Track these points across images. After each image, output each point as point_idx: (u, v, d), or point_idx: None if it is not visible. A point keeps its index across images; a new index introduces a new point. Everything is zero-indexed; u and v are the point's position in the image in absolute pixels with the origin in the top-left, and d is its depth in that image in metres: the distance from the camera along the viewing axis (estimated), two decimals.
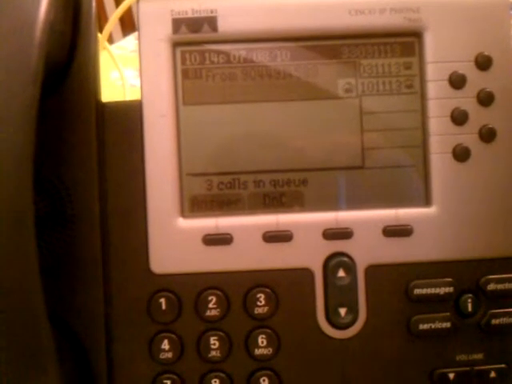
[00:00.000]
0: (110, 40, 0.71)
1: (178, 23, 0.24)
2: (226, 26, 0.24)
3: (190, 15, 0.24)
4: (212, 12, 0.24)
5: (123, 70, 0.53)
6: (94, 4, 0.25)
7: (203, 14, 0.24)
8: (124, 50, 0.61)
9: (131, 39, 0.64)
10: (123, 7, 0.47)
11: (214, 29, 0.24)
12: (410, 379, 0.23)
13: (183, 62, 0.24)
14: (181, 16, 0.24)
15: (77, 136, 0.24)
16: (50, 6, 0.22)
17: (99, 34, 0.45)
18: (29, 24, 0.21)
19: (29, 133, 0.20)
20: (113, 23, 0.46)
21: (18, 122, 0.20)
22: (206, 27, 0.24)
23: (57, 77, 0.24)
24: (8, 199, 0.20)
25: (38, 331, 0.20)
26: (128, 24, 0.95)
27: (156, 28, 0.24)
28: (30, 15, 0.21)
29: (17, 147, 0.20)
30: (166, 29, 0.24)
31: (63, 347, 0.22)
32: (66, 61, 0.24)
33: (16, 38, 0.21)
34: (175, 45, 0.24)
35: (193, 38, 0.24)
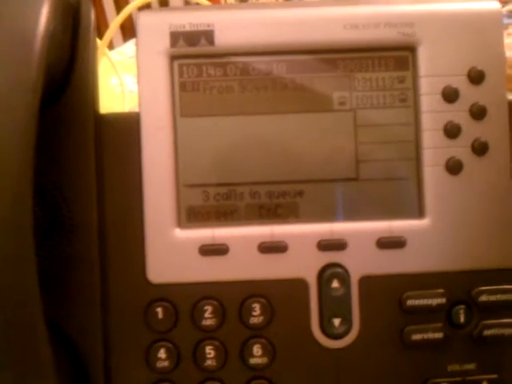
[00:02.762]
0: (110, 45, 0.72)
1: (175, 36, 0.24)
2: (222, 39, 0.24)
3: (187, 29, 0.24)
4: (209, 26, 0.24)
5: (123, 77, 0.54)
6: (93, 15, 0.25)
7: (200, 28, 0.24)
8: (123, 56, 0.62)
9: (131, 45, 0.64)
10: (123, 15, 0.48)
11: (211, 42, 0.24)
12: None
13: (181, 74, 0.24)
14: (179, 29, 0.24)
15: (75, 147, 0.24)
16: (50, 16, 0.23)
17: (99, 41, 0.45)
18: (29, 35, 0.22)
19: (29, 143, 0.21)
20: (113, 31, 0.47)
21: (18, 133, 0.21)
22: (203, 41, 0.24)
23: (56, 88, 0.24)
24: (8, 208, 0.20)
25: (36, 339, 0.21)
26: (128, 29, 0.96)
27: (154, 41, 0.24)
28: (29, 26, 0.22)
29: (17, 157, 0.20)
30: (164, 42, 0.24)
31: (61, 355, 0.22)
32: (65, 72, 0.24)
33: (16, 49, 0.21)
34: (173, 58, 0.24)
35: (190, 51, 0.24)
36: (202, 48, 0.24)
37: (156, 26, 0.24)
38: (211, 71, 0.24)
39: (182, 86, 0.24)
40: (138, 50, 0.24)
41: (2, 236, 0.20)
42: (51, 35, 0.22)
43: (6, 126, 0.20)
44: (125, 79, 0.54)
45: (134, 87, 0.56)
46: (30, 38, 0.21)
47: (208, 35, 0.24)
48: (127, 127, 0.24)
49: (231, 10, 0.25)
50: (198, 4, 0.55)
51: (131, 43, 0.65)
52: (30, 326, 0.20)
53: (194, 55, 0.24)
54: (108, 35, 0.49)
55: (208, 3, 0.50)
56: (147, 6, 0.58)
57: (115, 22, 0.51)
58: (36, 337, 0.21)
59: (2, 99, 0.21)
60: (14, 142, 0.20)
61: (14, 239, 0.20)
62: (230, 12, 0.25)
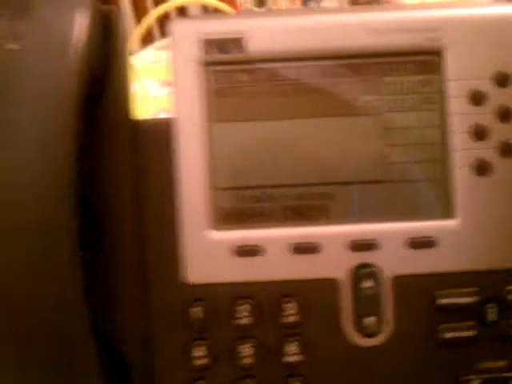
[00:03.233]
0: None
1: (209, 44, 0.25)
2: (253, 46, 0.25)
3: (220, 37, 0.25)
4: (240, 34, 0.25)
5: (145, 82, 0.55)
6: (123, 25, 0.26)
7: (232, 36, 0.25)
8: (144, 62, 0.63)
9: (151, 51, 0.65)
10: (144, 26, 0.49)
11: (243, 49, 0.25)
12: None
13: (214, 81, 0.25)
14: (212, 37, 0.25)
15: (111, 153, 0.25)
16: (86, 26, 0.23)
17: None
18: (68, 45, 0.22)
19: (72, 151, 0.22)
20: (135, 41, 0.48)
21: (62, 141, 0.21)
22: (234, 48, 0.25)
23: (92, 96, 0.25)
24: (55, 215, 0.21)
25: (82, 344, 0.21)
26: (146, 36, 0.97)
27: (189, 49, 0.25)
28: (68, 36, 0.23)
29: (63, 163, 0.21)
30: (198, 49, 0.25)
31: (103, 357, 0.23)
32: (100, 80, 0.25)
33: (57, 59, 0.22)
34: (206, 65, 0.25)
35: (223, 58, 0.25)
36: (234, 55, 0.25)
37: (190, 34, 0.25)
38: (243, 77, 0.25)
39: (215, 92, 0.25)
40: (172, 57, 0.25)
41: (50, 244, 0.21)
42: (88, 44, 0.23)
43: (51, 137, 0.21)
44: (147, 84, 0.55)
45: (156, 92, 0.57)
46: (69, 48, 0.22)
47: (240, 42, 0.25)
48: (161, 133, 0.25)
49: (261, 17, 0.26)
50: (216, 10, 0.56)
51: (151, 49, 0.66)
52: (76, 332, 0.21)
53: (226, 62, 0.25)
54: (129, 45, 0.50)
55: (229, 9, 0.51)
56: (166, 15, 0.60)
57: (137, 31, 0.52)
58: (83, 343, 0.21)
59: (46, 108, 0.22)
60: (59, 150, 0.21)
61: (61, 245, 0.21)
62: (260, 19, 0.26)
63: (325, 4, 0.66)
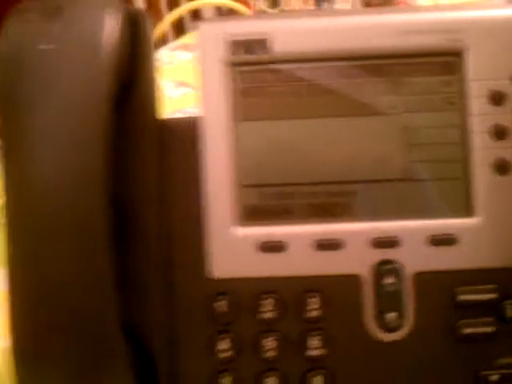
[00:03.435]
0: None
1: (236, 45, 0.25)
2: (279, 47, 0.26)
3: (246, 37, 0.26)
4: (266, 34, 0.26)
5: (160, 82, 0.55)
6: (151, 27, 0.27)
7: (259, 37, 0.26)
8: (159, 62, 0.63)
9: (165, 52, 0.66)
10: (160, 31, 0.49)
11: (269, 50, 0.26)
12: (455, 381, 0.25)
13: (240, 81, 0.26)
14: (238, 38, 0.26)
15: (138, 152, 0.26)
16: (116, 28, 0.24)
17: None
18: (99, 45, 0.23)
19: (105, 151, 0.22)
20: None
21: (96, 142, 0.22)
22: (261, 49, 0.26)
23: (120, 97, 0.26)
24: (90, 214, 0.22)
25: (114, 341, 0.22)
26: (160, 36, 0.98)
27: (216, 50, 0.25)
28: (99, 37, 0.23)
29: (96, 168, 0.22)
30: (225, 50, 0.25)
31: (130, 350, 0.24)
32: (128, 80, 0.26)
33: (89, 59, 0.23)
34: (233, 65, 0.26)
35: (249, 58, 0.26)
36: (260, 55, 0.26)
37: (217, 36, 0.26)
38: (269, 77, 0.26)
39: (242, 92, 0.26)
40: (200, 58, 0.26)
41: (84, 240, 0.21)
42: (118, 46, 0.24)
43: (85, 136, 0.22)
44: (162, 85, 0.55)
45: (172, 92, 0.58)
46: (100, 49, 0.23)
47: (266, 43, 0.26)
48: (187, 131, 0.26)
49: (287, 18, 0.27)
50: (231, 11, 0.56)
51: (166, 50, 0.67)
52: (109, 328, 0.22)
53: (252, 62, 0.26)
54: None
55: (245, 9, 0.51)
56: (180, 20, 0.60)
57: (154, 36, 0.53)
58: (114, 338, 0.22)
59: (79, 107, 0.22)
60: (93, 151, 0.22)
61: (94, 242, 0.22)
62: (285, 21, 0.26)
63: (337, 5, 0.66)
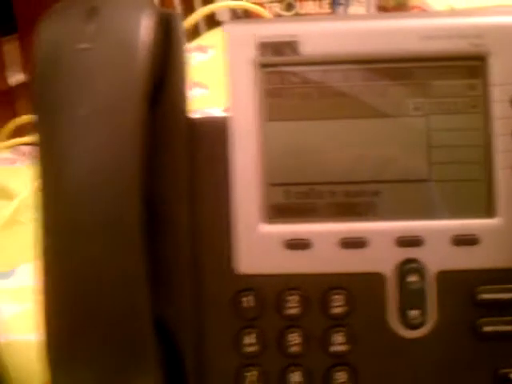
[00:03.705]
0: None
1: (264, 47, 0.26)
2: (307, 49, 0.26)
3: (274, 39, 0.26)
4: (294, 37, 0.26)
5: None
6: (182, 28, 0.27)
7: (286, 39, 0.26)
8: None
9: None
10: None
11: (296, 52, 0.26)
12: (475, 378, 0.25)
13: (268, 82, 0.26)
14: (266, 40, 0.26)
15: (169, 151, 0.26)
16: (151, 28, 0.25)
17: None
18: (135, 46, 0.24)
19: (140, 151, 0.23)
20: None
21: (132, 141, 0.23)
22: (288, 50, 0.26)
23: (153, 97, 0.26)
24: (126, 212, 0.22)
25: (144, 335, 0.23)
26: None
27: (244, 51, 0.26)
28: (134, 37, 0.24)
29: (132, 165, 0.22)
30: (254, 52, 0.26)
31: (160, 348, 0.24)
32: (160, 81, 0.26)
33: (125, 59, 0.24)
34: (261, 66, 0.26)
35: (277, 60, 0.26)
36: (288, 57, 0.26)
37: (245, 37, 0.26)
38: (295, 79, 0.26)
39: (269, 93, 0.26)
40: (229, 59, 0.26)
41: (120, 239, 0.22)
42: (152, 45, 0.25)
43: (122, 136, 0.23)
44: None
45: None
46: (136, 48, 0.24)
47: (293, 45, 0.26)
48: (216, 130, 0.26)
49: (314, 21, 0.27)
50: (246, 14, 0.57)
51: None
52: (141, 324, 0.23)
53: (280, 64, 0.26)
54: None
55: (264, 11, 0.52)
56: (195, 25, 0.61)
57: None
58: (143, 333, 0.23)
59: (116, 108, 0.23)
60: (130, 149, 0.22)
61: (130, 239, 0.22)
62: (313, 24, 0.27)
63: (352, 9, 0.67)
